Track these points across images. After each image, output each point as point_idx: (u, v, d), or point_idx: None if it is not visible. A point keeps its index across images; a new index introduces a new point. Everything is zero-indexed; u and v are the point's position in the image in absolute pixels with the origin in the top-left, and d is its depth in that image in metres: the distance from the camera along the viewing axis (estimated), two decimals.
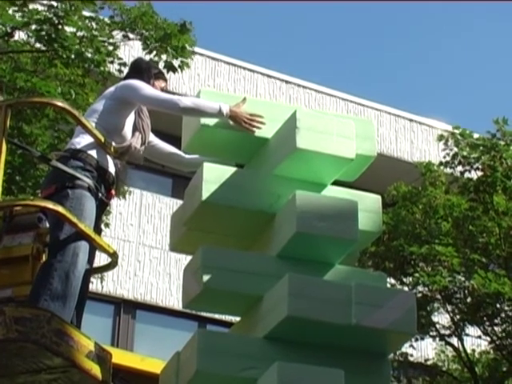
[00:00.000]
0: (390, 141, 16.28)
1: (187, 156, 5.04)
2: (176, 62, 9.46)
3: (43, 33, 9.08)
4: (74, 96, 8.79)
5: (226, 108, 4.71)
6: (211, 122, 4.81)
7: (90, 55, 9.20)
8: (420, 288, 10.89)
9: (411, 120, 16.68)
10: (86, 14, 9.56)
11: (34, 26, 9.20)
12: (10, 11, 9.20)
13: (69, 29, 9.25)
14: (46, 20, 9.12)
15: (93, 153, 4.51)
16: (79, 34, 9.27)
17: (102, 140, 4.50)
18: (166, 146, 5.00)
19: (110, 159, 4.58)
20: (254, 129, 4.78)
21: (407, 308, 4.55)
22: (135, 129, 4.72)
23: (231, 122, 4.75)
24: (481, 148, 10.97)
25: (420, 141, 16.54)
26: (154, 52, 9.46)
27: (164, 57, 9.43)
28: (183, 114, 4.74)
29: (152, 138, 4.92)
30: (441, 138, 11.43)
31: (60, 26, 9.13)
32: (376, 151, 5.02)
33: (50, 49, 9.12)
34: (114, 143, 4.60)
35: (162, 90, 4.84)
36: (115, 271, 13.22)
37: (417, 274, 10.77)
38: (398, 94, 29.60)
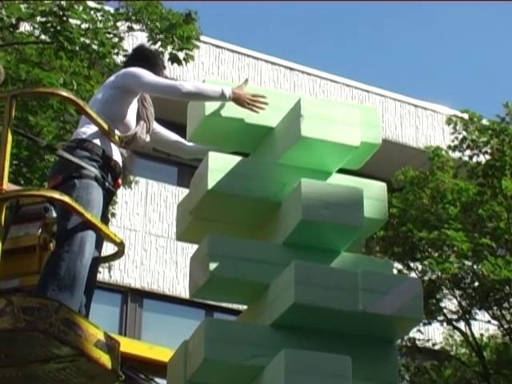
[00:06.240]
0: (395, 126, 16.26)
1: (189, 144, 5.04)
2: (181, 55, 9.45)
3: (49, 25, 9.08)
4: (75, 87, 8.78)
5: (228, 90, 4.69)
6: (216, 111, 4.81)
7: (95, 47, 9.20)
8: (429, 275, 10.87)
9: (416, 105, 16.65)
10: (91, 4, 9.55)
11: (39, 18, 9.21)
12: (16, 2, 9.20)
13: (74, 21, 9.25)
14: (50, 12, 9.12)
15: (99, 142, 4.51)
16: (84, 26, 9.27)
17: (107, 129, 4.51)
18: (168, 134, 5.00)
19: (116, 148, 4.59)
20: (259, 110, 4.73)
21: (414, 294, 4.56)
22: (139, 117, 4.71)
23: (234, 104, 4.72)
24: (489, 132, 10.93)
25: (425, 126, 16.52)
26: (159, 43, 9.45)
27: (169, 48, 9.42)
28: (186, 98, 4.71)
29: (154, 126, 4.91)
30: (449, 121, 11.38)
31: (65, 18, 9.13)
32: (381, 139, 5.02)
33: (55, 41, 9.12)
34: (118, 132, 4.60)
35: (164, 77, 4.82)
36: (122, 260, 13.24)
37: (426, 262, 10.75)
38: (403, 79, 29.55)
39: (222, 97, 4.68)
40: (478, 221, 10.83)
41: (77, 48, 9.10)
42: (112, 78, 4.73)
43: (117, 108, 4.61)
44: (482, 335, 11.89)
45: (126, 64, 4.85)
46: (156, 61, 4.83)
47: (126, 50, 9.55)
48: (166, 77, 4.84)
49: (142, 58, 4.81)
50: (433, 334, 13.59)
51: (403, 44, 30.56)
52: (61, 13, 9.14)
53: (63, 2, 9.19)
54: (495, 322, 11.15)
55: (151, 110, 4.78)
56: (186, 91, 4.62)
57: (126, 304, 13.67)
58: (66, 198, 4.16)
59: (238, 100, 4.71)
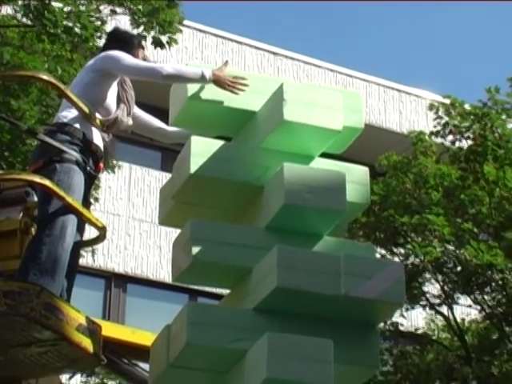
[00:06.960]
0: (379, 111, 16.28)
1: (170, 128, 5.02)
2: (164, 38, 9.42)
3: (31, 8, 9.01)
4: (60, 72, 8.74)
5: (208, 72, 4.67)
6: (199, 96, 4.80)
7: (77, 30, 9.14)
8: (411, 259, 10.90)
9: (400, 90, 16.67)
10: None
11: (20, 1, 9.14)
12: None
13: (56, 4, 9.19)
14: None
15: (80, 126, 4.50)
16: (67, 9, 9.21)
17: (88, 113, 4.49)
18: (150, 119, 4.99)
19: (97, 132, 4.57)
20: (242, 93, 4.72)
21: (396, 278, 4.57)
22: (119, 100, 4.69)
23: (217, 88, 4.70)
24: (472, 117, 10.94)
25: (409, 111, 16.55)
26: (142, 27, 9.41)
27: (152, 32, 9.38)
28: (166, 81, 4.66)
29: (135, 110, 4.90)
30: (431, 107, 11.39)
31: (47, 1, 9.06)
32: (363, 123, 5.02)
33: (38, 24, 9.06)
34: (99, 116, 4.58)
35: (144, 59, 4.80)
36: (105, 245, 13.23)
37: (409, 246, 10.76)
38: (387, 64, 29.56)
39: (202, 79, 4.66)
40: (460, 206, 10.84)
41: (59, 31, 9.04)
42: (91, 61, 4.71)
43: (97, 91, 4.59)
44: (463, 319, 11.94)
45: (104, 48, 4.83)
46: (133, 42, 4.80)
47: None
48: (146, 57, 4.81)
49: (119, 40, 4.79)
50: (416, 319, 13.65)
51: (387, 29, 30.58)
52: None
53: None
54: (477, 307, 11.20)
55: (131, 92, 4.76)
56: (166, 73, 4.60)
57: (110, 289, 13.67)
58: (46, 182, 4.15)
59: (218, 82, 4.69)
